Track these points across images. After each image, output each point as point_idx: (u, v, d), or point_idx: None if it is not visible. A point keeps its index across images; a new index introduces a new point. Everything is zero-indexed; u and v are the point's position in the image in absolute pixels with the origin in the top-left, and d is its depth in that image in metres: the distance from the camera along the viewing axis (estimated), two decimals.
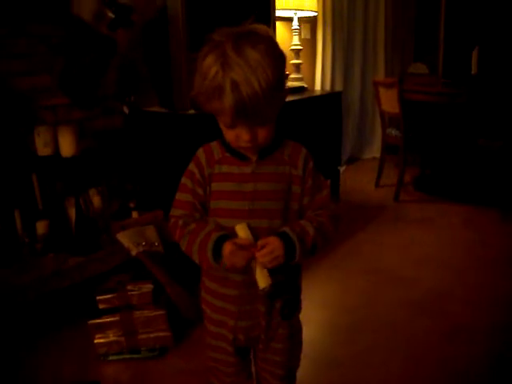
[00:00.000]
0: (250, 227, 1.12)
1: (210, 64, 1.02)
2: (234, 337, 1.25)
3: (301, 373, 1.41)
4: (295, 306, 1.29)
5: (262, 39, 1.05)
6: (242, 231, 1.11)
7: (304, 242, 1.13)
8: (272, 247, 1.08)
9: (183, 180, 1.19)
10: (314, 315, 2.36)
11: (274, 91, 1.03)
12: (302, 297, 1.35)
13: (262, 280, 1.09)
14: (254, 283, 1.11)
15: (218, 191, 1.16)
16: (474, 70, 4.34)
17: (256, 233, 1.11)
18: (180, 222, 1.16)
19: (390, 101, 3.99)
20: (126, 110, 2.72)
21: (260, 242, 1.09)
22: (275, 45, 1.08)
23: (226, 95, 1.00)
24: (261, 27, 1.09)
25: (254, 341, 1.27)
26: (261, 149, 1.15)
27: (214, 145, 1.19)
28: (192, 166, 1.18)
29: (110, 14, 2.51)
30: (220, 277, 1.20)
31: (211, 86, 1.02)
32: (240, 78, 0.99)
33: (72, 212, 2.31)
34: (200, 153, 1.19)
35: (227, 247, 1.08)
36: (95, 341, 2.08)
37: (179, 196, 1.19)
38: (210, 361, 1.35)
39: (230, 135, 1.10)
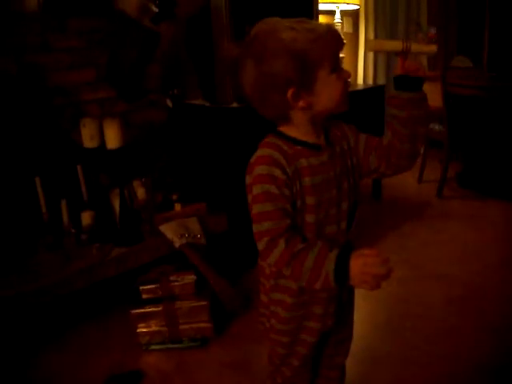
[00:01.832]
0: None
1: (283, 27, 1.05)
2: (322, 325, 1.23)
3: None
4: None
5: None
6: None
7: None
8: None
9: (260, 189, 1.07)
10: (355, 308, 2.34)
11: None
12: None
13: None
14: None
15: (305, 187, 1.10)
16: None
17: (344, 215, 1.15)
18: (282, 243, 1.05)
19: (433, 95, 3.92)
20: (169, 102, 2.74)
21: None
22: None
23: (318, 24, 1.09)
24: None
25: (336, 322, 1.27)
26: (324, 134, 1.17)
27: (276, 141, 1.12)
28: (267, 169, 1.07)
29: (154, 8, 2.53)
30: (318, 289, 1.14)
31: (313, 35, 1.04)
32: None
33: (116, 203, 2.34)
34: (270, 152, 1.09)
35: (357, 259, 1.02)
36: (138, 330, 2.11)
37: (262, 208, 1.07)
38: (279, 359, 1.31)
39: (338, 86, 1.10)
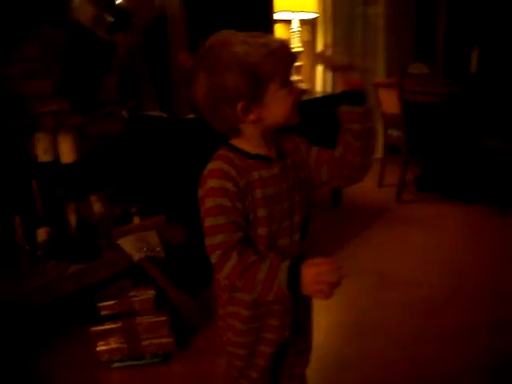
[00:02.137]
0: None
1: (238, 41, 1.06)
2: (279, 336, 1.23)
3: (307, 374, 1.42)
4: None
5: None
6: None
7: None
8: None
9: (213, 202, 1.07)
10: (318, 317, 2.33)
11: None
12: None
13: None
14: None
15: (257, 199, 1.11)
16: (473, 70, 4.33)
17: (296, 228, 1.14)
18: (234, 256, 1.06)
19: (390, 101, 3.98)
20: (125, 114, 2.71)
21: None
22: None
23: (273, 39, 1.09)
24: None
25: (293, 333, 1.27)
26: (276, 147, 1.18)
27: (228, 154, 1.13)
28: (219, 183, 1.08)
29: (109, 18, 2.50)
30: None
31: (259, 45, 1.06)
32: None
33: (73, 218, 2.30)
34: (222, 165, 1.10)
35: (309, 269, 1.04)
36: (97, 348, 2.07)
37: (214, 221, 1.07)
38: (237, 372, 1.30)
39: (289, 100, 1.11)
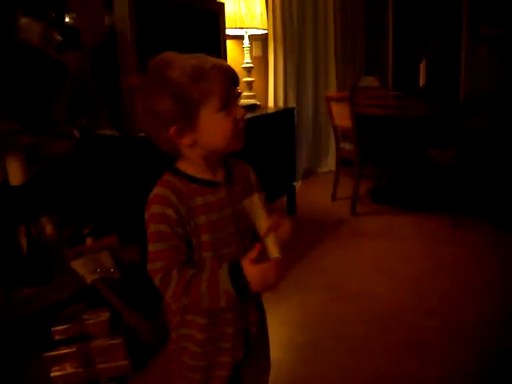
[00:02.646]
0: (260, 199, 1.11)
1: (179, 68, 1.06)
2: (233, 358, 1.23)
3: None
4: None
5: None
6: (256, 207, 1.10)
7: None
8: (285, 220, 1.15)
9: (154, 228, 1.09)
10: (273, 332, 2.33)
11: None
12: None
13: (276, 250, 1.09)
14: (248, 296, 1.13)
15: (201, 225, 1.11)
16: (422, 82, 4.44)
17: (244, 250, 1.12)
18: (174, 275, 1.06)
19: (342, 115, 4.04)
20: (77, 133, 2.67)
21: (271, 224, 1.10)
22: None
23: (209, 62, 1.08)
24: None
25: (247, 354, 1.27)
26: (225, 172, 1.18)
27: (173, 179, 1.13)
28: (160, 209, 1.08)
29: (58, 37, 2.46)
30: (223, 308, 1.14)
31: (199, 71, 1.06)
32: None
33: (23, 241, 2.25)
34: (164, 192, 1.10)
35: (252, 269, 1.06)
36: (52, 374, 2.02)
37: (155, 247, 1.09)
38: None
39: (228, 124, 1.09)
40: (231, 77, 1.11)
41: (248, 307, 1.23)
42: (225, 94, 1.08)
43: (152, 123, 1.10)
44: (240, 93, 3.66)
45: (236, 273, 1.06)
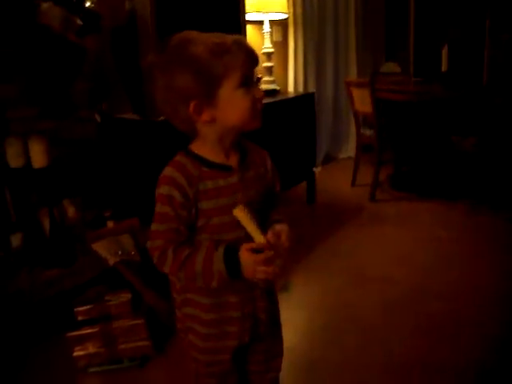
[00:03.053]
0: (247, 207, 1.09)
1: (201, 43, 1.06)
2: (238, 342, 1.24)
3: (280, 375, 1.41)
4: None
5: None
6: (244, 216, 1.08)
7: None
8: (288, 232, 1.14)
9: (159, 208, 1.11)
10: (292, 317, 2.35)
11: None
12: (280, 298, 1.37)
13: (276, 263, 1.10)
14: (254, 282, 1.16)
15: (209, 209, 1.11)
16: (444, 68, 4.39)
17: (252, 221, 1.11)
18: (170, 253, 1.09)
19: (362, 101, 4.01)
20: (97, 117, 2.68)
21: (271, 236, 1.11)
22: None
23: (230, 40, 1.07)
24: None
25: (254, 338, 1.27)
26: (239, 156, 1.17)
27: (184, 160, 1.13)
28: (167, 190, 1.10)
29: (78, 21, 2.48)
30: (219, 289, 1.16)
31: (222, 47, 1.05)
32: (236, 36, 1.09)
33: (46, 223, 2.27)
34: (173, 172, 1.11)
35: (248, 257, 1.07)
36: (74, 354, 2.05)
37: (158, 226, 1.11)
38: (199, 376, 1.32)
39: (247, 103, 1.09)
40: (251, 55, 1.11)
41: (255, 293, 1.22)
42: (246, 70, 1.08)
43: (172, 100, 1.10)
44: (260, 78, 3.65)
45: (231, 256, 1.08)
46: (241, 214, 1.08)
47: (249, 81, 1.09)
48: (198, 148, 1.15)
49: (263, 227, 1.13)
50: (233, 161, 1.16)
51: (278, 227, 1.15)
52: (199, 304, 1.20)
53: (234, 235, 1.13)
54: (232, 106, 1.09)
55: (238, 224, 1.10)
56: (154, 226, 1.12)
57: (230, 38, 1.07)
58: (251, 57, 1.11)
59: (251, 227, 1.08)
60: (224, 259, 1.08)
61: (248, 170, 1.18)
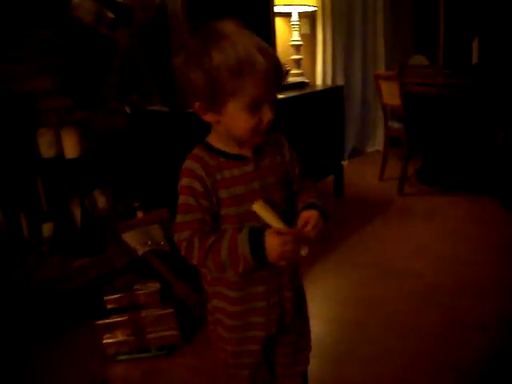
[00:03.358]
0: (267, 202, 1.10)
1: (221, 49, 1.01)
2: (265, 333, 1.24)
3: (309, 370, 1.42)
4: None
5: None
6: (263, 211, 1.09)
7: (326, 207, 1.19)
8: (315, 221, 1.12)
9: (182, 199, 1.12)
10: (320, 309, 2.37)
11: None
12: (308, 291, 1.38)
13: (303, 248, 1.09)
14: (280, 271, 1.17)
15: (226, 198, 1.12)
16: (474, 60, 4.32)
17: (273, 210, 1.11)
18: (196, 242, 1.10)
19: (391, 93, 3.98)
20: (128, 109, 2.72)
21: (301, 221, 1.11)
22: None
23: (260, 63, 1.01)
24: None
25: (281, 329, 1.27)
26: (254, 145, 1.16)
27: (202, 153, 1.14)
28: (188, 181, 1.11)
29: (110, 15, 2.50)
30: (244, 279, 1.17)
31: (238, 65, 1.00)
32: (260, 46, 1.03)
33: (77, 213, 2.31)
34: (192, 165, 1.12)
35: (273, 239, 1.05)
36: (104, 341, 2.09)
37: (182, 218, 1.12)
38: (228, 367, 1.32)
39: (250, 124, 1.07)
40: (273, 81, 1.06)
41: (281, 282, 1.22)
42: (257, 98, 1.05)
43: (186, 90, 1.09)
44: (288, 70, 3.64)
45: (256, 238, 1.07)
46: (259, 208, 1.09)
47: (260, 105, 1.06)
48: (213, 140, 1.16)
49: (289, 217, 1.14)
50: (247, 150, 1.15)
51: (306, 214, 1.14)
52: (227, 297, 1.21)
53: (257, 224, 1.12)
54: (234, 122, 1.08)
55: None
56: (178, 218, 1.13)
57: (257, 60, 1.01)
58: (273, 83, 1.06)
59: (272, 220, 1.09)
60: (249, 240, 1.07)
61: (263, 159, 1.17)
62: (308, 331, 1.40)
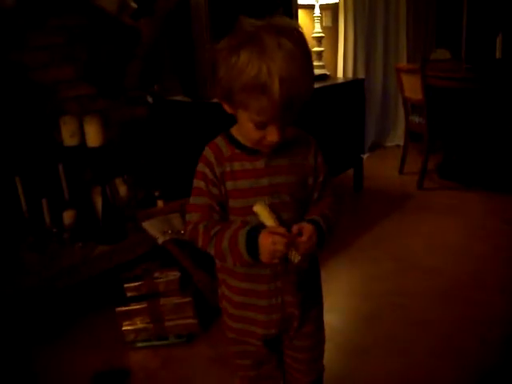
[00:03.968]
0: (268, 205, 1.10)
1: (249, 58, 0.97)
2: (265, 331, 1.23)
3: (325, 359, 1.41)
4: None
5: (299, 35, 1.03)
6: (263, 212, 1.09)
7: (329, 231, 1.16)
8: (310, 234, 1.09)
9: (195, 183, 1.16)
10: (339, 302, 2.37)
11: (311, 90, 1.05)
12: (328, 283, 1.36)
13: (295, 255, 1.08)
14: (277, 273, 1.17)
15: (233, 190, 1.13)
16: (498, 55, 4.27)
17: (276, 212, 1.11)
18: (200, 228, 1.12)
19: (412, 87, 3.95)
20: (149, 99, 2.73)
21: (295, 228, 1.09)
22: (306, 41, 1.06)
23: (273, 93, 0.97)
24: (294, 22, 1.09)
25: (285, 331, 1.27)
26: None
27: (221, 142, 1.16)
28: (202, 167, 1.15)
29: (133, 4, 2.51)
30: (247, 274, 1.18)
31: (253, 83, 0.97)
32: (287, 75, 0.96)
33: (98, 201, 2.33)
34: (207, 152, 1.16)
35: (266, 237, 1.05)
36: (123, 328, 2.11)
37: (194, 200, 1.16)
38: (232, 356, 1.34)
39: (254, 135, 1.07)
40: (286, 110, 1.02)
41: (282, 284, 1.19)
42: (263, 120, 1.03)
43: (213, 70, 1.09)
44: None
45: (253, 236, 1.07)
46: (259, 209, 1.09)
47: (266, 125, 1.05)
48: (235, 131, 1.17)
49: (295, 221, 1.12)
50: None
51: (303, 225, 1.10)
52: (231, 286, 1.23)
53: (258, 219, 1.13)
54: (242, 126, 1.10)
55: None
56: (191, 200, 1.17)
57: (274, 88, 0.96)
58: (282, 111, 1.01)
59: (269, 221, 1.08)
60: (246, 236, 1.08)
61: (280, 157, 1.15)
62: (322, 341, 1.38)
